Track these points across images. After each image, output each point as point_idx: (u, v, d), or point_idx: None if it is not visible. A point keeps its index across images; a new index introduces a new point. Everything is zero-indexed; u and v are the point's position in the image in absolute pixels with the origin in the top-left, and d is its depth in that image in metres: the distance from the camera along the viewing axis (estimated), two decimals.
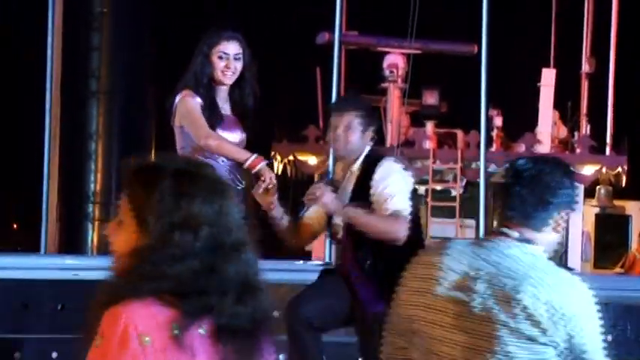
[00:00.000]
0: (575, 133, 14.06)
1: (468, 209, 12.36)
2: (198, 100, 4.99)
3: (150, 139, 14.32)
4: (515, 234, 2.80)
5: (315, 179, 13.54)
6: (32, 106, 12.24)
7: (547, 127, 13.69)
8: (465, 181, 12.73)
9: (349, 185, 4.93)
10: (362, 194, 4.85)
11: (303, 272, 8.95)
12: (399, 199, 4.82)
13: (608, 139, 13.98)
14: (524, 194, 2.80)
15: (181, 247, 2.03)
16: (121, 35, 14.19)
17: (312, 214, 5.13)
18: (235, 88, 5.05)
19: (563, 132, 14.07)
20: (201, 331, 2.01)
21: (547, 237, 2.83)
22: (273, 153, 13.78)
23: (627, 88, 14.33)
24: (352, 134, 4.90)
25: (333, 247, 10.67)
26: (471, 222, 12.12)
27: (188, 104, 5.01)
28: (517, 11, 14.10)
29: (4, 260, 7.95)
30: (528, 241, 2.79)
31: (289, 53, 13.15)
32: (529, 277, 2.70)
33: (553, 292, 2.68)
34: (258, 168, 4.89)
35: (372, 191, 4.83)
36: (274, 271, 7.20)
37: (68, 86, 12.98)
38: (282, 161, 13.59)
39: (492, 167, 13.34)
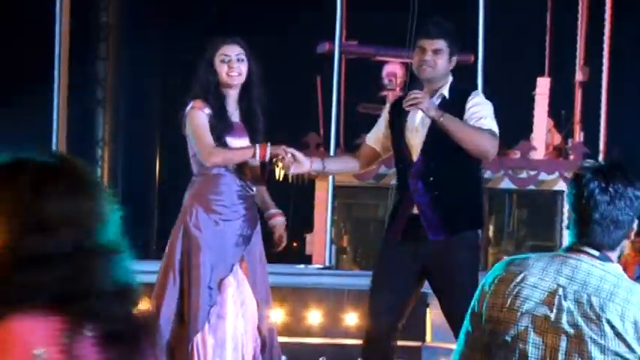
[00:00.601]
0: (569, 140, 14.05)
1: None
2: (207, 110, 4.95)
3: (154, 146, 14.34)
4: (596, 252, 2.78)
5: (316, 186, 13.54)
6: (41, 113, 12.24)
7: (542, 134, 13.70)
8: None
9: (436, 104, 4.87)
10: (453, 113, 4.80)
11: (303, 276, 8.96)
12: (494, 122, 4.86)
13: (601, 146, 13.97)
14: (599, 218, 2.79)
15: (44, 250, 1.86)
16: (127, 46, 14.22)
17: (373, 135, 5.06)
18: (244, 94, 5.03)
19: (558, 139, 14.06)
20: (87, 337, 1.89)
21: (619, 250, 2.85)
22: (275, 159, 13.72)
23: (620, 97, 14.34)
24: (440, 59, 4.86)
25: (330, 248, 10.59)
26: None
27: (194, 119, 4.99)
28: (512, 21, 14.08)
29: None
30: (607, 258, 2.79)
31: (290, 62, 13.13)
32: (615, 295, 2.71)
33: (638, 310, 2.69)
34: (268, 154, 4.89)
35: (469, 110, 4.82)
36: (276, 275, 7.19)
37: (76, 94, 13.00)
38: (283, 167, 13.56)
39: (488, 173, 13.32)
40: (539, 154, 13.74)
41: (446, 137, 4.77)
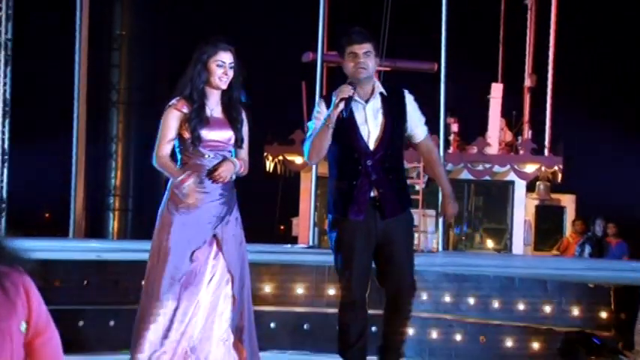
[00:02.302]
0: (519, 138, 14.12)
1: (429, 201, 12.40)
2: (185, 109, 4.85)
3: None
4: None
5: (301, 177, 13.55)
6: (62, 114, 12.21)
7: (495, 132, 13.77)
8: (427, 177, 12.75)
9: (377, 103, 4.81)
10: (395, 112, 4.77)
11: (290, 254, 8.98)
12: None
13: (547, 143, 14.05)
14: None
15: None
16: (138, 54, 14.18)
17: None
18: (225, 93, 4.96)
19: (509, 137, 14.13)
20: None
21: None
22: (265, 154, 13.78)
23: (563, 100, 14.40)
24: (370, 60, 4.77)
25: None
26: (432, 212, 12.18)
27: (166, 118, 4.92)
28: (470, 35, 14.12)
29: (40, 243, 7.95)
30: None
31: (279, 70, 13.14)
32: None
33: None
34: (187, 183, 4.81)
35: (408, 107, 4.81)
36: (267, 253, 7.20)
37: (93, 97, 12.96)
38: (273, 160, 13.60)
39: (450, 166, 13.41)
40: (493, 149, 13.82)
41: (396, 127, 4.73)
